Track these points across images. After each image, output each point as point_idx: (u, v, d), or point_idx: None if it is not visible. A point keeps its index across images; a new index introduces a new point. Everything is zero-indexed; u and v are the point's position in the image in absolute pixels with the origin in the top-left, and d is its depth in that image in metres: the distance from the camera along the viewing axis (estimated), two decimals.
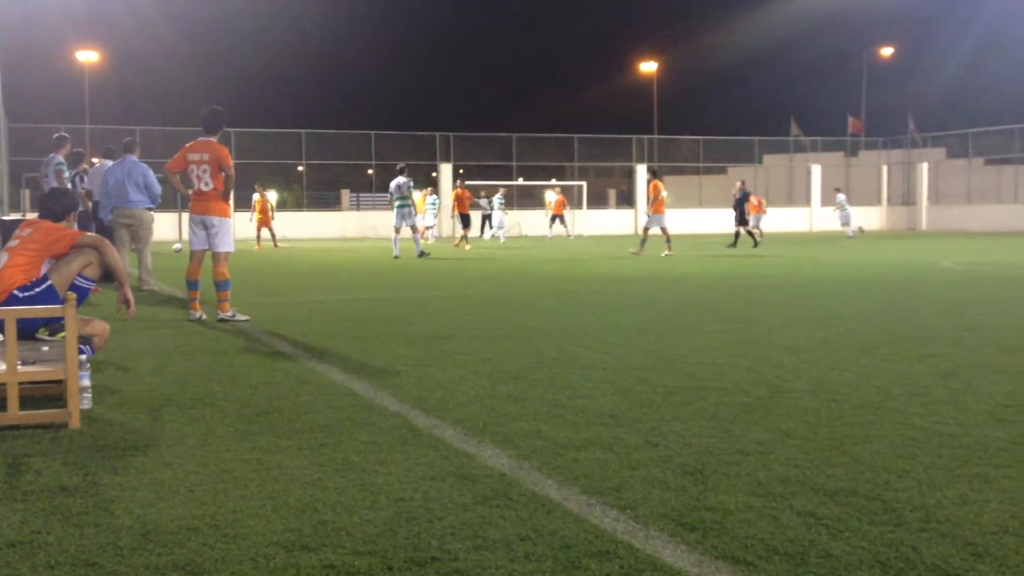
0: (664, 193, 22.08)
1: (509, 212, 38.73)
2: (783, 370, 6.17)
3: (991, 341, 7.38)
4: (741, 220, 26.60)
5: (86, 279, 5.89)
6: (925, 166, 48.95)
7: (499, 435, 4.46)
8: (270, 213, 28.50)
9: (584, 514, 3.34)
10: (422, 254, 21.20)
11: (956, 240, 31.41)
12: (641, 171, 45.17)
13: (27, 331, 5.51)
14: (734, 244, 26.38)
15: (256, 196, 28.63)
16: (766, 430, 4.53)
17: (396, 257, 21.04)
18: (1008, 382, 5.69)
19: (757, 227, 28.07)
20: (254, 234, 28.87)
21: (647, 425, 4.65)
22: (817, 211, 48.32)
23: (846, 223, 35.12)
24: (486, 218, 37.53)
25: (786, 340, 7.55)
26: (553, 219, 35.59)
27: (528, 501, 3.48)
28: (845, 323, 8.65)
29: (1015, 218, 42.27)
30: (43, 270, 5.79)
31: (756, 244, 26.23)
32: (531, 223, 40.04)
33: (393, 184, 21.71)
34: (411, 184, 21.96)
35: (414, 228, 21.74)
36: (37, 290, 5.68)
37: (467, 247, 26.83)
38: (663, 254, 21.56)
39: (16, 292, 5.63)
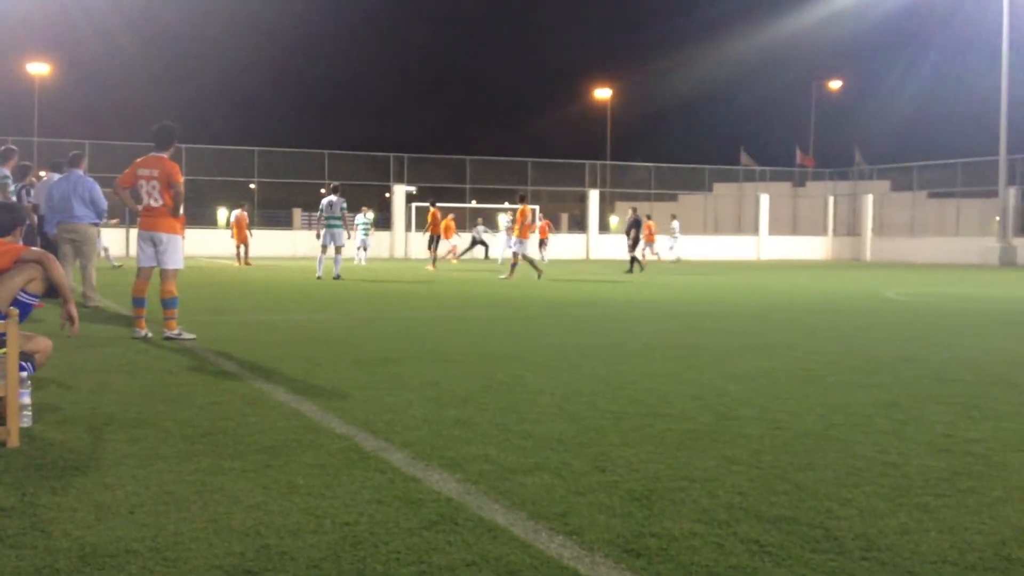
0: (530, 219, 22.37)
1: (462, 235, 38.89)
2: (729, 397, 6.23)
3: (932, 372, 7.51)
4: (634, 246, 27.37)
5: (29, 294, 5.79)
6: (870, 198, 49.90)
7: (446, 459, 4.45)
8: (247, 231, 28.99)
9: (530, 540, 3.34)
10: (338, 277, 20.59)
11: (899, 271, 31.97)
12: (594, 196, 45.54)
13: None
14: (631, 270, 27.03)
15: (237, 212, 29.23)
16: (712, 457, 4.56)
17: (318, 277, 20.66)
18: (948, 412, 5.79)
19: (644, 254, 29.92)
20: (233, 252, 29.33)
21: (595, 450, 4.67)
22: (765, 240, 48.96)
23: (672, 248, 37.93)
24: (479, 243, 37.76)
25: (732, 368, 7.63)
26: (541, 243, 36.20)
27: (475, 526, 3.47)
28: (790, 352, 8.75)
29: (957, 251, 43.19)
30: None
31: (631, 271, 26.93)
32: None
33: (324, 202, 21.22)
34: (344, 205, 21.53)
35: (339, 249, 21.02)
36: None
37: (429, 268, 26.87)
38: (500, 276, 21.73)
39: None
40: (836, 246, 50.84)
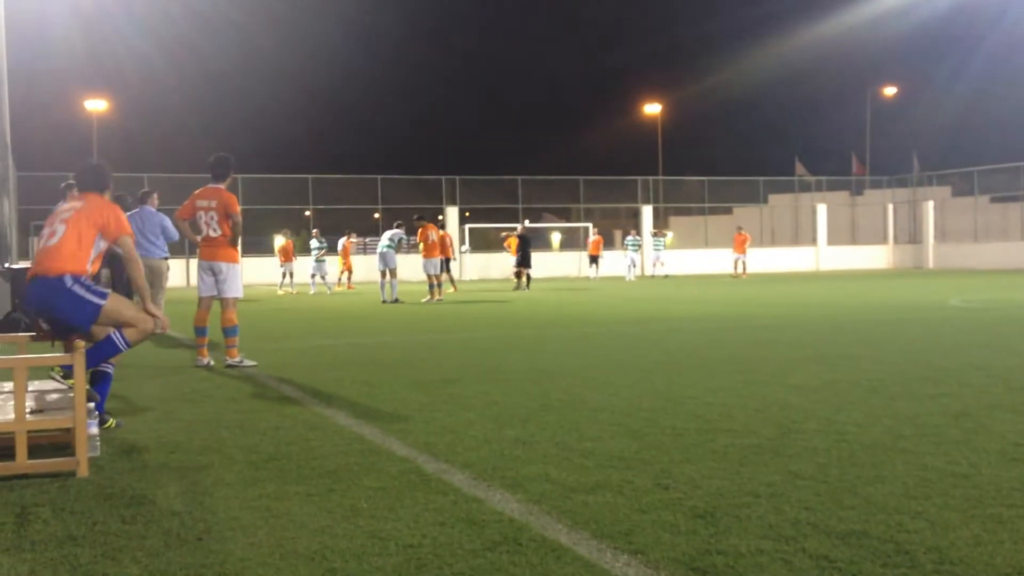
0: (434, 237, 22.16)
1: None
2: (792, 410, 6.14)
3: (1001, 380, 7.34)
4: (523, 261, 27.60)
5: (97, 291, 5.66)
6: (931, 204, 49.00)
7: (508, 479, 4.44)
8: (350, 258, 31.38)
9: (594, 559, 3.32)
10: (396, 300, 21.28)
11: (963, 278, 31.33)
12: (647, 212, 45.30)
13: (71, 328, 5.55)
14: (527, 286, 27.20)
15: (343, 240, 31.54)
16: (776, 472, 4.50)
17: (383, 301, 21.38)
18: (1020, 421, 5.65)
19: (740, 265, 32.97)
20: (336, 278, 31.22)
21: (656, 467, 4.63)
22: (824, 250, 48.34)
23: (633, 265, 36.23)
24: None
25: (794, 380, 7.52)
26: (592, 260, 35.95)
27: (538, 547, 3.46)
28: (854, 363, 8.61)
29: (1022, 255, 42.20)
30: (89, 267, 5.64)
31: (520, 287, 27.27)
32: (537, 265, 40.05)
33: (386, 234, 22.65)
34: (403, 235, 23.16)
35: (392, 272, 21.86)
36: (91, 291, 5.56)
37: (449, 292, 25.18)
38: (423, 300, 21.59)
39: (67, 277, 5.50)
40: (897, 254, 49.99)
